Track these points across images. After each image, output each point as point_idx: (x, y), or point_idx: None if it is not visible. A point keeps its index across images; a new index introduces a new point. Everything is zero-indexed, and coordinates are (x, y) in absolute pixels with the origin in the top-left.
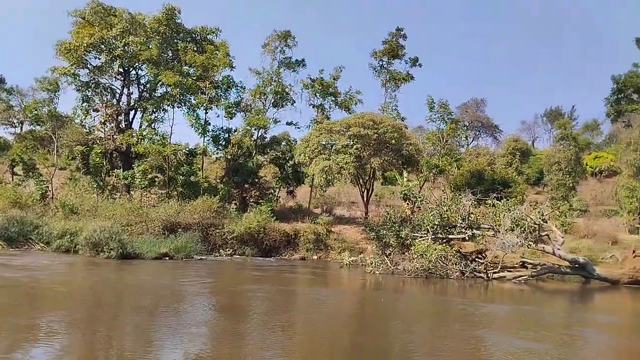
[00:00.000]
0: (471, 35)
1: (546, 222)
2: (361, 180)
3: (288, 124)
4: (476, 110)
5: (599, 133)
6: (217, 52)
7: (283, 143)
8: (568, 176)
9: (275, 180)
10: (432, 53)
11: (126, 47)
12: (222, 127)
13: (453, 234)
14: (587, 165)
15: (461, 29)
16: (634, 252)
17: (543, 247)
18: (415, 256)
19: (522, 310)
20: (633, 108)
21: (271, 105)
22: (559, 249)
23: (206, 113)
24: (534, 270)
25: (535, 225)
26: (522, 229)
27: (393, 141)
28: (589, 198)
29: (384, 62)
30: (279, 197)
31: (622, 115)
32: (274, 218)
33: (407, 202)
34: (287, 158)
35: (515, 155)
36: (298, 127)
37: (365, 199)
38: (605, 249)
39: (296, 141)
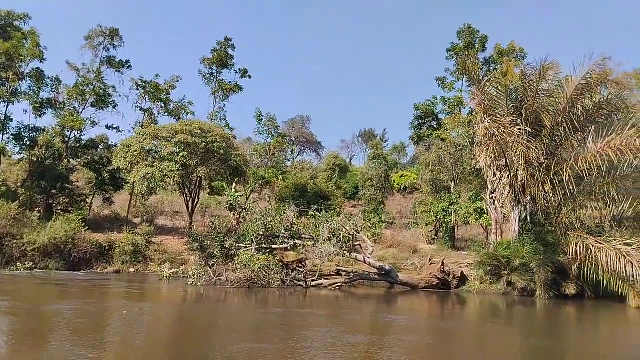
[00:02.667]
0: (299, 55)
1: (359, 232)
2: (187, 190)
3: (108, 127)
4: (302, 127)
5: (405, 154)
6: (26, 40)
7: (101, 147)
8: (379, 192)
9: (89, 186)
10: (265, 69)
11: None
12: (28, 125)
13: (276, 244)
14: (394, 182)
15: (290, 48)
16: (430, 260)
17: (356, 256)
18: (239, 266)
19: (333, 315)
20: (429, 133)
21: (90, 105)
22: (369, 258)
23: (7, 107)
24: (348, 277)
25: (350, 236)
26: (339, 239)
27: (221, 151)
28: (395, 212)
29: (214, 71)
30: (93, 205)
31: (423, 140)
32: (86, 228)
33: (233, 212)
34: (105, 163)
35: (335, 170)
36: (120, 131)
37: (190, 208)
38: (407, 257)
39: (116, 145)
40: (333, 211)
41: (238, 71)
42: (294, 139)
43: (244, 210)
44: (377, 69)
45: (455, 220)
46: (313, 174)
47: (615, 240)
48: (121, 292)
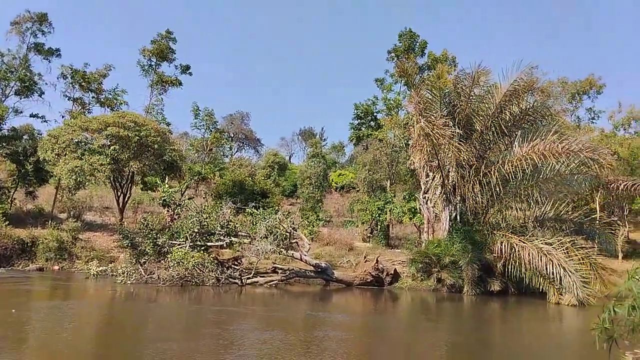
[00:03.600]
0: (242, 51)
1: (296, 230)
2: (118, 184)
3: (32, 116)
4: (241, 123)
5: (343, 154)
6: None
7: (25, 137)
8: (317, 190)
9: (11, 179)
10: (207, 62)
11: None
12: None
13: (212, 242)
14: (332, 181)
15: (233, 45)
16: (365, 257)
17: (292, 254)
18: (172, 264)
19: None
20: (368, 133)
21: (13, 93)
22: (305, 255)
23: None
24: (284, 274)
25: (287, 233)
26: (276, 236)
27: (156, 145)
28: (332, 210)
29: (153, 63)
30: (15, 198)
31: (362, 140)
32: (7, 223)
33: (167, 208)
34: (29, 154)
35: (274, 168)
36: (45, 121)
37: (121, 204)
38: (343, 255)
39: (41, 133)
40: (271, 209)
41: (178, 66)
42: (232, 135)
43: (178, 207)
44: (319, 68)
45: (390, 218)
46: (251, 171)
47: (537, 239)
48: (42, 290)
